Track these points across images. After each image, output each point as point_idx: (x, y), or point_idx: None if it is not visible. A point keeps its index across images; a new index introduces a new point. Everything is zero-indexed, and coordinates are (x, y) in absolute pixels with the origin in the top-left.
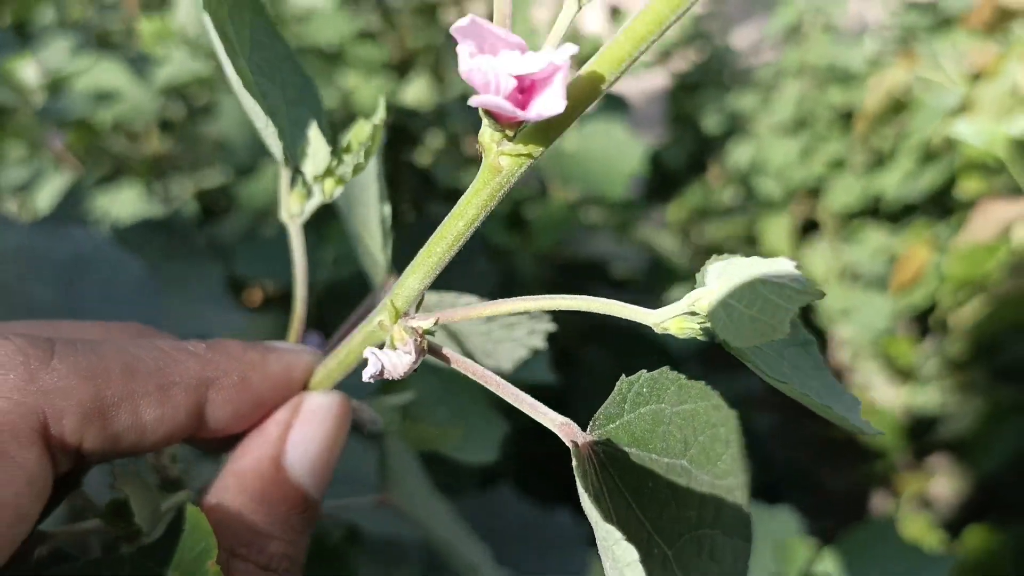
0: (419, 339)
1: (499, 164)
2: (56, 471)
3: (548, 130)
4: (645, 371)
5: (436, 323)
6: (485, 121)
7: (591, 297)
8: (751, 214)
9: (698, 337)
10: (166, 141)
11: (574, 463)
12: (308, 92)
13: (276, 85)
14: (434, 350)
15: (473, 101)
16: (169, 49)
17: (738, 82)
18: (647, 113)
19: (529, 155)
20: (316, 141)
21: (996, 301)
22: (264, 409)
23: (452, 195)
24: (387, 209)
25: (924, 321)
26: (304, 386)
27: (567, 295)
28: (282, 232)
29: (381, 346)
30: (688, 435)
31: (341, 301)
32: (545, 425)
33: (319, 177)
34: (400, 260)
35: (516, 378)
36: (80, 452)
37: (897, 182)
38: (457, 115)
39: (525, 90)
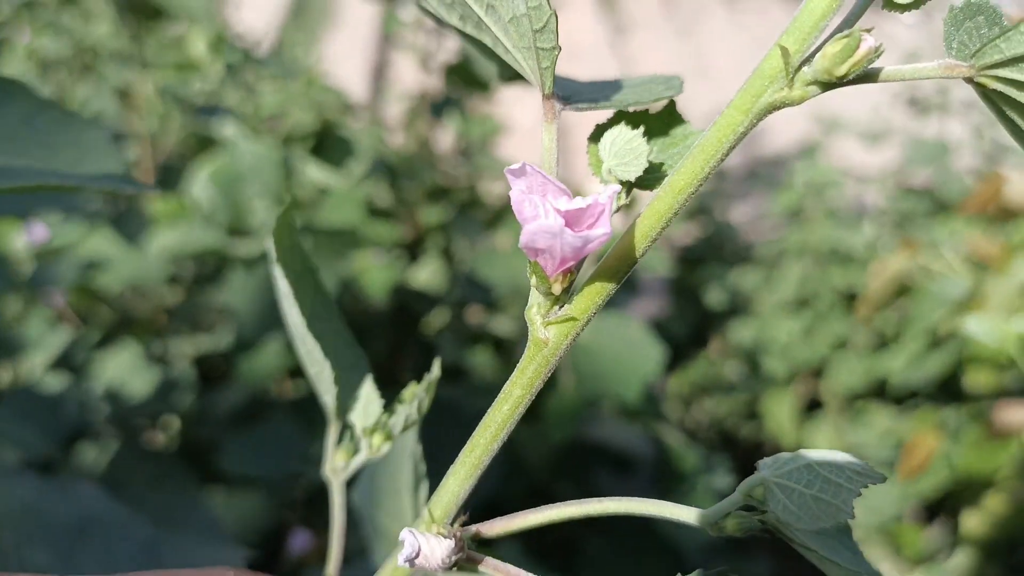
0: (458, 537)
1: (545, 337)
2: None
3: (592, 294)
4: None
5: (476, 536)
6: (533, 289)
7: (638, 499)
8: (754, 391)
9: (755, 533)
10: (172, 296)
11: None
12: (359, 365)
13: (329, 353)
14: (472, 558)
15: (526, 230)
16: (182, 224)
17: (740, 257)
18: (649, 284)
19: (574, 319)
20: (369, 393)
21: (1013, 501)
22: None
23: (456, 372)
24: (422, 469)
25: (932, 507)
26: None
27: (614, 498)
28: (272, 425)
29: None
30: None
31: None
32: None
33: (368, 430)
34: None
35: None
36: None
37: (902, 366)
38: (463, 290)
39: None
